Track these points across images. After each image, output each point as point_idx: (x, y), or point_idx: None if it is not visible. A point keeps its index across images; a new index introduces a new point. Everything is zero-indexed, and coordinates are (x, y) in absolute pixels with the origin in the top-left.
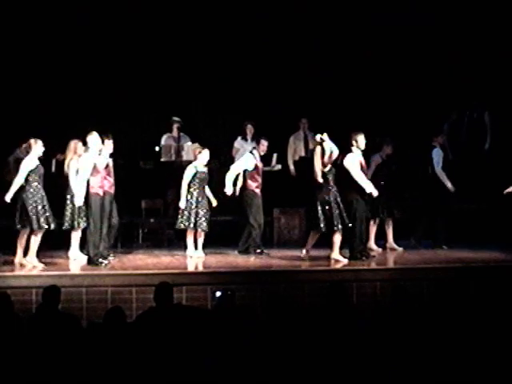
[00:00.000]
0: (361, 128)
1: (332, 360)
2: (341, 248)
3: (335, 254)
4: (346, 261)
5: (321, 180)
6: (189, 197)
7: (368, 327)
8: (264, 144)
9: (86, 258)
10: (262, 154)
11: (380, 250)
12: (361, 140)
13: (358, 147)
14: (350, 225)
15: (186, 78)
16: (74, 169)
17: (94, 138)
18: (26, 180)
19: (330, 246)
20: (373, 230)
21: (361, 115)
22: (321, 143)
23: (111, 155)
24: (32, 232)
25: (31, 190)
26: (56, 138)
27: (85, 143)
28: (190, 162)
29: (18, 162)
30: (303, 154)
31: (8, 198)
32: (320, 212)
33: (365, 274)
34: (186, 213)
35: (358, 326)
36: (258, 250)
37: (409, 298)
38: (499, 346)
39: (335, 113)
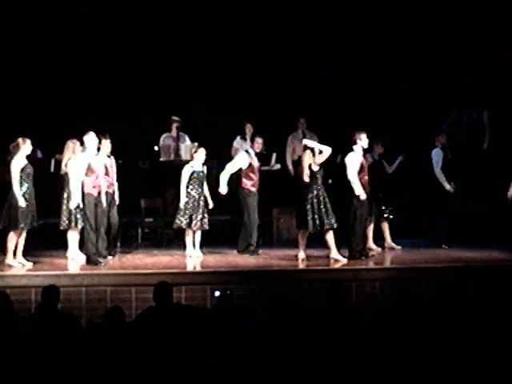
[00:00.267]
0: (360, 127)
1: (331, 359)
2: (340, 247)
3: (334, 253)
4: (345, 260)
5: (307, 179)
6: (187, 196)
7: (367, 327)
8: (258, 141)
9: (84, 257)
10: (258, 151)
11: (379, 249)
12: (364, 139)
13: (361, 146)
14: (336, 225)
15: (185, 77)
16: (72, 168)
17: (90, 137)
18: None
19: (326, 245)
20: (371, 229)
21: (359, 115)
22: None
23: (111, 154)
24: (19, 231)
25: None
26: (55, 137)
27: (82, 143)
28: (188, 162)
29: None
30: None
31: (22, 203)
32: (308, 212)
33: (364, 274)
34: (183, 212)
35: (357, 326)
36: (252, 249)
37: (408, 298)
38: (499, 345)
39: (333, 112)
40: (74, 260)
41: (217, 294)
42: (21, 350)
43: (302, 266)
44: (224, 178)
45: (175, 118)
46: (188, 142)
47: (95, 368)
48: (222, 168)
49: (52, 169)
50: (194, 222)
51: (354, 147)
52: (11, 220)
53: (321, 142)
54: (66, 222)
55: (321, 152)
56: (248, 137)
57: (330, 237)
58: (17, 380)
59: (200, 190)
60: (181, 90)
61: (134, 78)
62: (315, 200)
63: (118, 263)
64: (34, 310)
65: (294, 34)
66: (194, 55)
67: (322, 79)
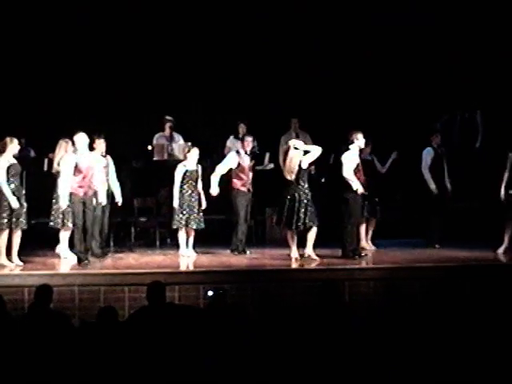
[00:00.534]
0: (352, 127)
1: (324, 358)
2: (333, 246)
3: (308, 249)
4: (318, 259)
5: (292, 177)
6: (180, 196)
7: (361, 326)
8: (248, 140)
9: (75, 257)
10: (248, 149)
11: (373, 248)
12: (360, 138)
13: (357, 145)
14: (311, 225)
15: (179, 77)
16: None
17: (79, 137)
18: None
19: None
20: (363, 228)
21: (352, 115)
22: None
23: (107, 154)
24: (11, 231)
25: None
26: (48, 136)
27: (74, 142)
28: (181, 162)
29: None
30: None
31: (14, 204)
32: (284, 209)
33: (357, 273)
34: (180, 212)
35: (350, 325)
36: (240, 248)
37: (401, 297)
38: (491, 344)
39: (326, 112)
40: (67, 259)
41: (210, 293)
42: (13, 350)
43: (294, 265)
44: (215, 179)
45: (168, 117)
46: (181, 141)
47: (88, 368)
48: (215, 167)
49: (45, 168)
50: (191, 220)
51: (351, 147)
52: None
53: (314, 142)
54: (59, 221)
55: (307, 152)
56: (241, 136)
57: (311, 235)
58: (9, 379)
59: (193, 189)
60: (174, 90)
61: (127, 77)
62: (296, 199)
63: (111, 263)
64: (26, 310)
65: (290, 34)
66: (188, 55)
67: (314, 79)
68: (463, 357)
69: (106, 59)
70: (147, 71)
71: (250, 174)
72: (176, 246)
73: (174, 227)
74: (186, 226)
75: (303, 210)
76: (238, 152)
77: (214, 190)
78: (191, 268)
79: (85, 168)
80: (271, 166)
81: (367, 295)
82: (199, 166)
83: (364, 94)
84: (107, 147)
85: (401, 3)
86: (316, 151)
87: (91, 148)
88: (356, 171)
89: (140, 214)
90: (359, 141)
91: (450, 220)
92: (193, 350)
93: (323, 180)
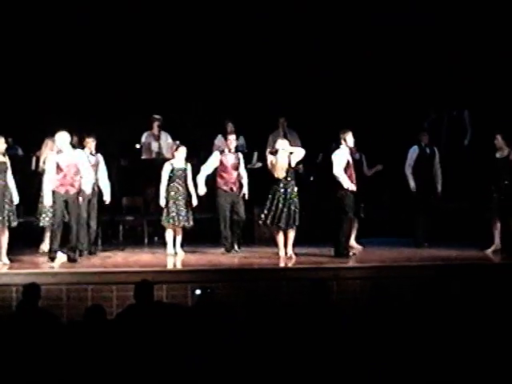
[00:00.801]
0: (341, 126)
1: (313, 357)
2: (325, 245)
3: (289, 248)
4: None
5: (283, 175)
6: (167, 194)
7: (349, 325)
8: (230, 138)
9: (64, 255)
10: (232, 148)
11: (361, 247)
12: (349, 138)
13: (346, 145)
14: (297, 223)
15: (168, 76)
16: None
17: (60, 136)
18: None
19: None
20: (355, 227)
21: (340, 114)
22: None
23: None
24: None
25: None
26: (36, 135)
27: None
28: (169, 160)
29: None
30: None
31: None
32: (266, 206)
33: (345, 272)
34: (168, 210)
35: (339, 324)
36: (226, 247)
37: (389, 296)
38: (480, 343)
39: (314, 112)
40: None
41: (197, 292)
42: (1, 349)
43: (282, 264)
44: (201, 179)
45: (156, 116)
46: (169, 140)
47: (76, 366)
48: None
49: (33, 166)
50: (180, 219)
51: (341, 146)
52: None
53: (301, 141)
54: (46, 218)
55: (291, 153)
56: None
57: (291, 234)
58: None
59: (181, 187)
60: (163, 89)
61: (115, 75)
62: (280, 197)
63: (98, 261)
64: (14, 309)
65: (279, 34)
66: (177, 53)
67: (302, 78)
68: (452, 355)
69: (95, 58)
70: (136, 70)
71: (234, 173)
72: (164, 244)
73: (165, 225)
74: (174, 224)
75: (286, 209)
76: (222, 151)
77: (202, 190)
78: (179, 267)
79: (65, 166)
80: (259, 164)
81: (355, 294)
82: (188, 164)
83: (352, 94)
84: (96, 146)
85: (401, 3)
86: (300, 153)
87: (81, 146)
88: (346, 169)
89: (128, 213)
90: (347, 140)
91: (439, 219)
92: (181, 348)
93: (312, 178)
